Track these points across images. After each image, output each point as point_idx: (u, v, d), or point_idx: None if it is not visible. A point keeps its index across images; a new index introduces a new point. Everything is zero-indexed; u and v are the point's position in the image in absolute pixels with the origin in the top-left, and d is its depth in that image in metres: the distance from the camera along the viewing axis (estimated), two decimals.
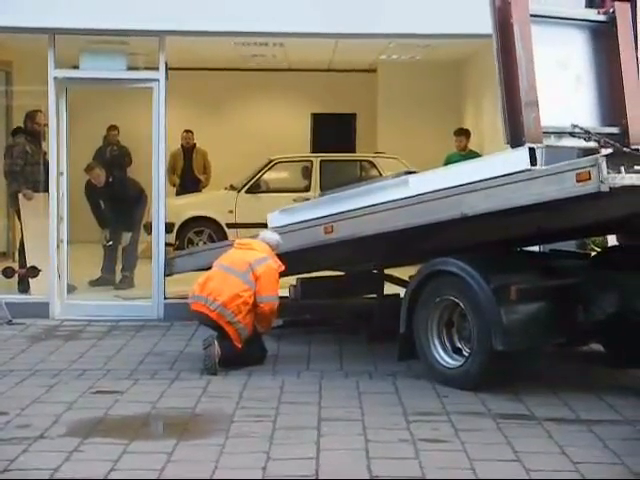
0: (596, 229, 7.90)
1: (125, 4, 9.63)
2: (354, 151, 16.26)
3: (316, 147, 16.52)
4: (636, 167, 6.51)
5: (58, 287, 10.04)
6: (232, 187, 14.02)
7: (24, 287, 10.53)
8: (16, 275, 10.60)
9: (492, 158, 7.60)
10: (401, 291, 8.43)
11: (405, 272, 8.56)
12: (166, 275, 10.01)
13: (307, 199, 12.08)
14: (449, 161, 11.18)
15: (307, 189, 13.74)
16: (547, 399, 6.78)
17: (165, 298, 10.06)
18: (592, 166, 6.20)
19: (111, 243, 11.51)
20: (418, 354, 7.43)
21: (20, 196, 10.74)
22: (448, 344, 7.31)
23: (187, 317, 9.19)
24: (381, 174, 13.48)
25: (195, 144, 15.07)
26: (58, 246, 10.03)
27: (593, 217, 6.95)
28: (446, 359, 7.26)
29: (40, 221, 10.36)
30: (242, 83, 16.46)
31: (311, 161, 14.27)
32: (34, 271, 10.44)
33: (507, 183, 6.74)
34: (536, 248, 8.79)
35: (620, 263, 7.13)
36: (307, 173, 14.16)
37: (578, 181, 6.25)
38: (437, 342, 7.32)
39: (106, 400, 6.68)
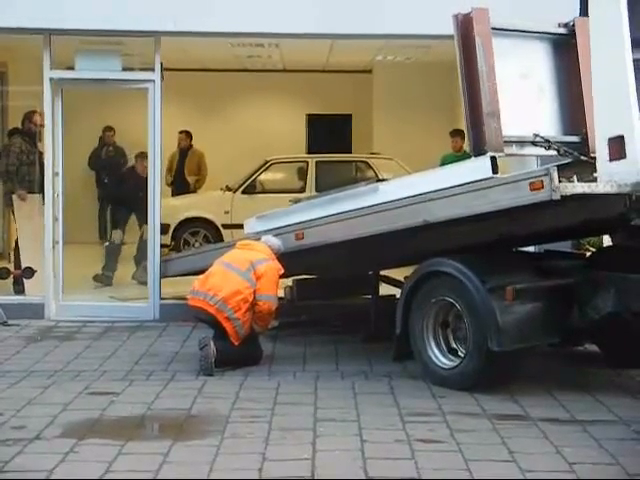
0: (562, 233, 7.99)
1: (120, 5, 9.64)
2: (350, 152, 16.26)
3: (312, 148, 16.52)
4: (594, 175, 6.73)
5: (53, 288, 10.03)
6: (228, 188, 14.02)
7: (19, 288, 10.52)
8: (11, 276, 10.60)
9: (457, 166, 7.82)
10: (397, 292, 8.44)
11: (401, 273, 8.56)
12: (160, 279, 10.02)
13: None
14: (444, 162, 11.18)
15: (303, 190, 13.74)
16: (542, 399, 6.79)
17: (161, 299, 10.06)
18: (545, 175, 6.43)
19: (119, 242, 11.52)
20: (414, 355, 7.44)
21: (14, 197, 10.73)
22: (444, 344, 7.32)
23: (183, 318, 9.25)
24: (377, 175, 13.50)
25: (191, 145, 15.05)
26: (53, 247, 10.02)
27: (552, 223, 7.07)
28: (442, 359, 7.27)
29: (35, 221, 10.36)
30: (238, 84, 16.45)
31: (307, 162, 14.29)
32: (29, 272, 10.43)
33: (467, 191, 6.97)
34: (531, 249, 8.80)
35: (615, 263, 7.14)
36: (303, 174, 14.18)
37: (532, 189, 6.50)
38: (433, 342, 7.33)
39: (101, 401, 6.67)
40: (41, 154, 10.55)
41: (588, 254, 8.80)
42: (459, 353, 7.20)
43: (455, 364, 7.17)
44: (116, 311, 10.10)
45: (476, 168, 7.09)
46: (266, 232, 8.46)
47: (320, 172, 13.99)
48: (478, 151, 7.12)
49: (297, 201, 9.35)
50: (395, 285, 8.97)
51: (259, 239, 8.23)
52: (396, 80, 15.44)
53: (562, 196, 6.34)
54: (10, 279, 10.59)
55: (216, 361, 7.48)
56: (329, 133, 16.78)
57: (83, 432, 5.92)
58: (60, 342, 8.86)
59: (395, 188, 7.84)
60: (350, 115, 17.04)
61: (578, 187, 6.46)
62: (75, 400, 6.71)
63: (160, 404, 6.66)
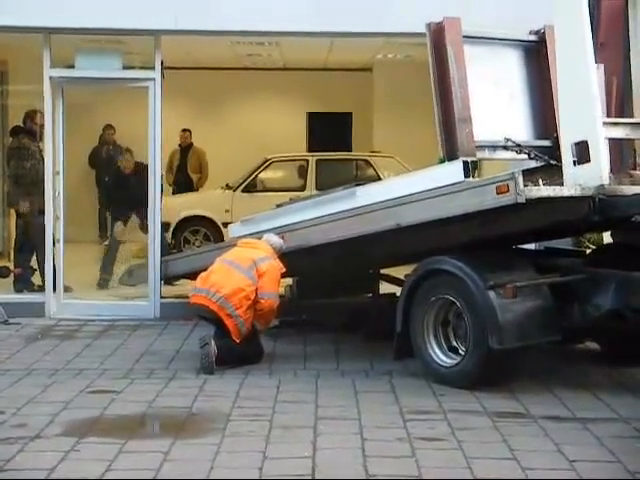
0: (535, 235, 8.05)
1: (121, 3, 9.65)
2: (350, 150, 16.26)
3: (312, 146, 16.52)
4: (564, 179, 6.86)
5: (54, 286, 10.02)
6: (228, 186, 14.03)
7: (20, 287, 10.51)
8: (12, 274, 10.60)
9: (431, 171, 7.89)
10: (397, 290, 8.43)
11: (401, 271, 8.56)
12: (161, 279, 10.01)
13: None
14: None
15: (303, 188, 13.74)
16: (543, 397, 6.79)
17: (161, 297, 10.07)
18: (510, 179, 6.58)
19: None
20: (414, 353, 7.44)
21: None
22: (444, 343, 7.32)
23: (183, 316, 9.26)
24: (377, 173, 13.51)
25: (192, 143, 15.06)
26: (54, 245, 10.02)
27: (522, 225, 7.16)
28: (442, 358, 7.27)
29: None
30: (238, 82, 16.46)
31: (307, 160, 14.29)
32: (31, 270, 10.42)
33: (437, 195, 7.13)
34: (531, 246, 8.80)
35: (615, 261, 7.14)
36: (303, 172, 14.17)
37: (498, 193, 6.66)
38: (433, 341, 7.33)
39: (102, 399, 6.68)
40: (41, 151, 10.52)
41: (588, 251, 8.80)
42: (460, 351, 7.20)
43: (456, 362, 7.17)
44: (117, 310, 10.11)
45: (449, 172, 7.23)
46: (250, 236, 8.48)
47: (320, 170, 13.99)
48: (451, 156, 7.29)
49: (280, 205, 9.40)
50: (396, 283, 8.98)
51: (260, 238, 8.24)
52: (396, 78, 15.41)
53: (527, 199, 6.46)
54: (11, 277, 10.60)
55: (217, 359, 7.48)
56: (329, 131, 16.78)
57: (84, 430, 5.92)
58: (61, 341, 8.87)
59: (371, 192, 7.95)
60: (350, 113, 17.04)
61: (543, 190, 6.60)
62: (76, 398, 6.71)
63: (161, 402, 6.67)
